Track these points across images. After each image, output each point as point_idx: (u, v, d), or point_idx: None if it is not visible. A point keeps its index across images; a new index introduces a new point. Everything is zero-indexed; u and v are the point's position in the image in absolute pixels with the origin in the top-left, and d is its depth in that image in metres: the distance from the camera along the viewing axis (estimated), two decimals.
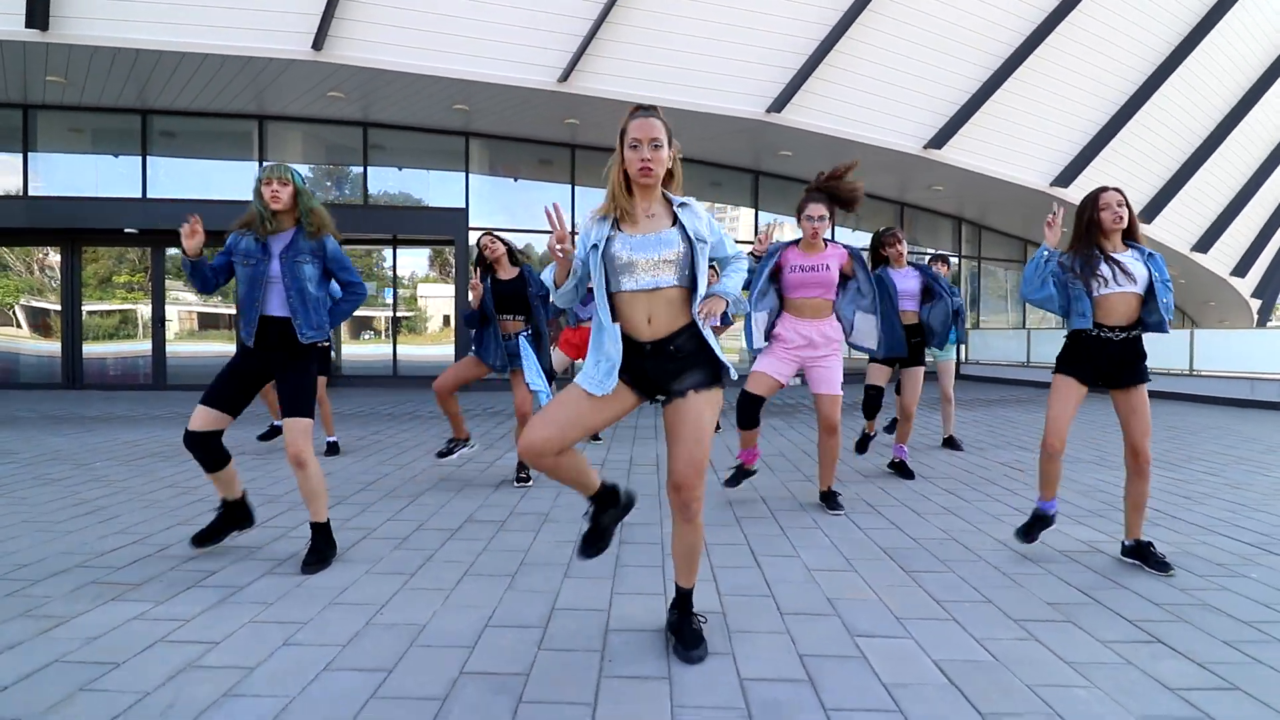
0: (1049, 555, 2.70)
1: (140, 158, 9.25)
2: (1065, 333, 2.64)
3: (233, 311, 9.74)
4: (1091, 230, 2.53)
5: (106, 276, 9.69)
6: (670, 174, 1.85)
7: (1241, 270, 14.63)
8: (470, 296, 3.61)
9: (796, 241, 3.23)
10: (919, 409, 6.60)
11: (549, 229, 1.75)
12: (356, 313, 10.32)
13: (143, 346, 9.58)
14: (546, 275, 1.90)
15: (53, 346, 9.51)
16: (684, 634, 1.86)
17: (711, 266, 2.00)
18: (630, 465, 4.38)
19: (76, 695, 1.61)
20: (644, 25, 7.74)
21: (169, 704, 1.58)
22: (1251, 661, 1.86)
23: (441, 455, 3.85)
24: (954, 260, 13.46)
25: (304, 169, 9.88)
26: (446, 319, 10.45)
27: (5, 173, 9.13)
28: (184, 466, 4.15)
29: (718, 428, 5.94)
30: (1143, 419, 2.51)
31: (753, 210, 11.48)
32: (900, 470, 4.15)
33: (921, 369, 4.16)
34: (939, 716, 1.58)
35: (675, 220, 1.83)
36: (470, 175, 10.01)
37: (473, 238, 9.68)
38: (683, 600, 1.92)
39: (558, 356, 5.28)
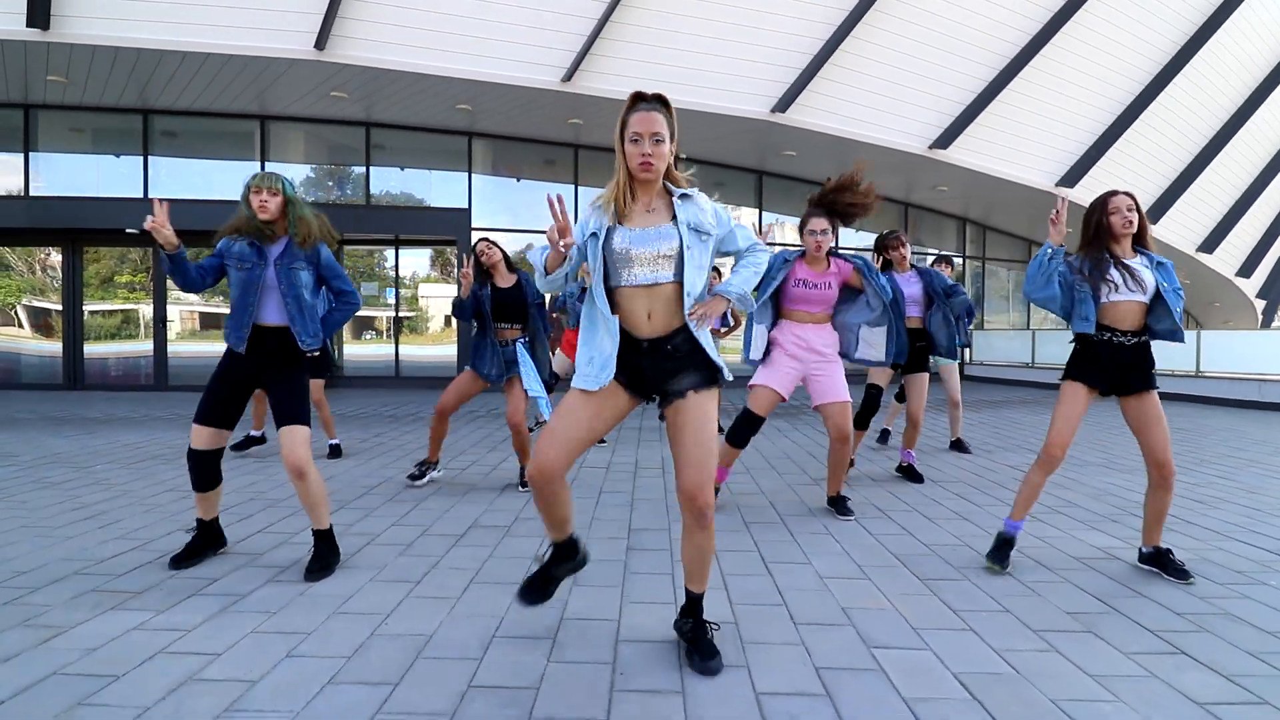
0: (1064, 562, 2.65)
1: (142, 158, 9.22)
2: (1071, 338, 2.57)
3: None
4: (1100, 234, 2.47)
5: (108, 276, 9.67)
6: (672, 168, 1.81)
7: (1247, 271, 14.57)
8: (461, 286, 3.52)
9: (803, 254, 3.18)
10: (925, 412, 6.54)
11: (550, 223, 1.69)
12: (359, 313, 10.32)
13: (144, 347, 9.54)
14: (536, 257, 1.81)
15: (54, 347, 9.48)
16: (701, 644, 1.82)
17: (715, 269, 1.95)
18: (636, 468, 4.34)
19: (75, 710, 1.56)
20: (649, 25, 7.70)
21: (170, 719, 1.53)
22: (1278, 674, 1.81)
23: (413, 479, 3.80)
24: (958, 261, 13.41)
25: (306, 169, 9.85)
26: (448, 319, 10.42)
27: (6, 172, 9.10)
28: (184, 469, 4.10)
29: (720, 429, 5.89)
30: (1162, 429, 2.44)
31: (756, 210, 11.44)
32: (909, 474, 4.10)
33: (926, 375, 4.10)
34: None
35: (674, 216, 1.77)
36: (473, 175, 9.97)
37: (475, 238, 9.65)
38: (695, 606, 1.87)
39: (560, 359, 5.24)
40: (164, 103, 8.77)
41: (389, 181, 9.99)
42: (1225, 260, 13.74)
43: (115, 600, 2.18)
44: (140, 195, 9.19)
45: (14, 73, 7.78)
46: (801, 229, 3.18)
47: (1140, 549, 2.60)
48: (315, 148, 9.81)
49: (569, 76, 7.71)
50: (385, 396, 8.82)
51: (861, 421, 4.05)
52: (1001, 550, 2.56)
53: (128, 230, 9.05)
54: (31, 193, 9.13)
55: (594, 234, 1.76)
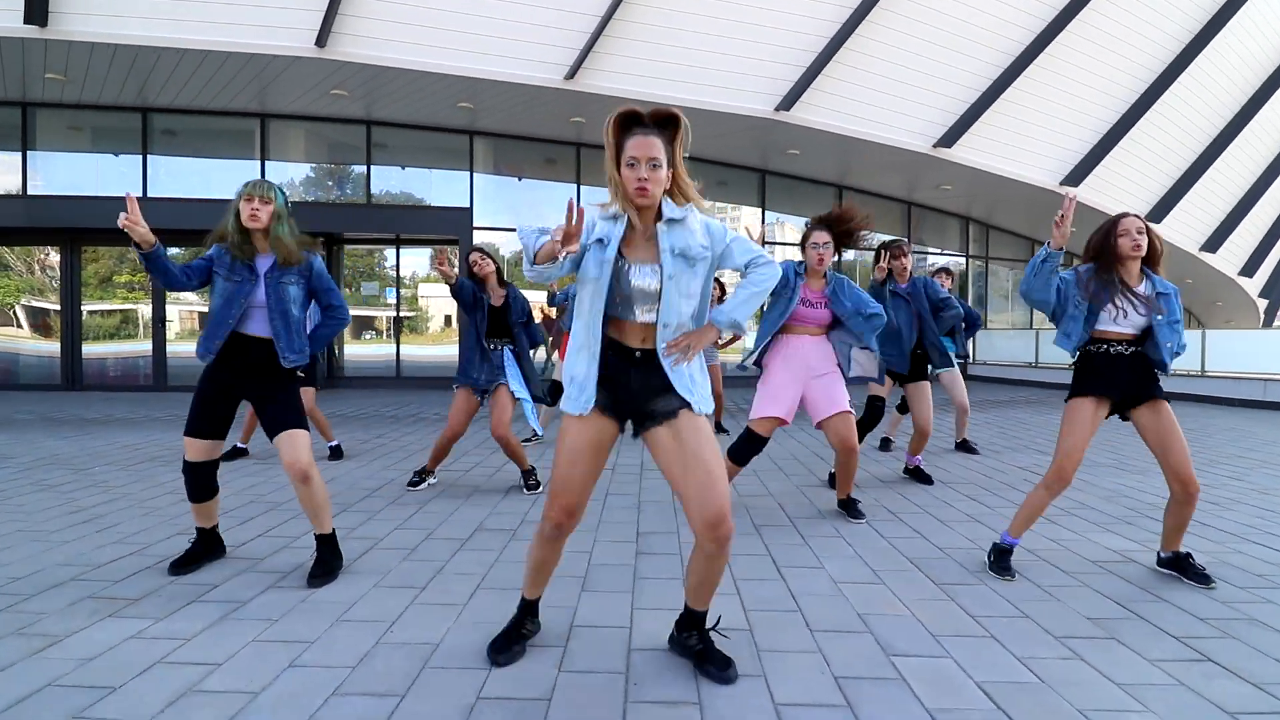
0: (1081, 566, 2.60)
1: (141, 156, 9.17)
2: (1073, 359, 2.53)
3: None
4: (1105, 254, 2.41)
5: (107, 276, 9.61)
6: (670, 191, 1.65)
7: (1249, 270, 14.54)
8: (441, 270, 3.47)
9: (805, 268, 3.15)
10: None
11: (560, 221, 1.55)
12: (359, 312, 10.27)
13: (143, 347, 9.49)
14: (528, 236, 1.64)
15: (52, 347, 9.43)
16: (714, 655, 1.76)
17: (719, 281, 1.86)
18: (641, 470, 4.29)
19: None
20: (652, 22, 7.64)
21: None
22: None
23: (412, 485, 3.76)
24: (959, 263, 13.36)
25: (306, 168, 9.79)
26: (449, 319, 10.37)
27: (4, 171, 9.04)
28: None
29: (723, 429, 5.84)
30: (1180, 442, 2.38)
31: (759, 209, 11.39)
32: (917, 476, 4.05)
33: (927, 383, 4.04)
34: None
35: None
36: (475, 174, 9.91)
37: (477, 237, 9.59)
38: (699, 621, 1.80)
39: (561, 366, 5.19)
40: (163, 101, 8.71)
41: (390, 180, 9.93)
42: (1228, 260, 13.71)
43: (113, 607, 2.12)
44: (139, 194, 9.13)
45: (12, 70, 7.72)
46: (804, 243, 3.17)
47: (1159, 553, 2.55)
48: (315, 146, 9.76)
49: (572, 74, 7.66)
50: (386, 397, 8.77)
51: (859, 434, 3.95)
52: (1002, 561, 2.52)
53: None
54: (30, 192, 9.07)
55: (600, 240, 1.63)
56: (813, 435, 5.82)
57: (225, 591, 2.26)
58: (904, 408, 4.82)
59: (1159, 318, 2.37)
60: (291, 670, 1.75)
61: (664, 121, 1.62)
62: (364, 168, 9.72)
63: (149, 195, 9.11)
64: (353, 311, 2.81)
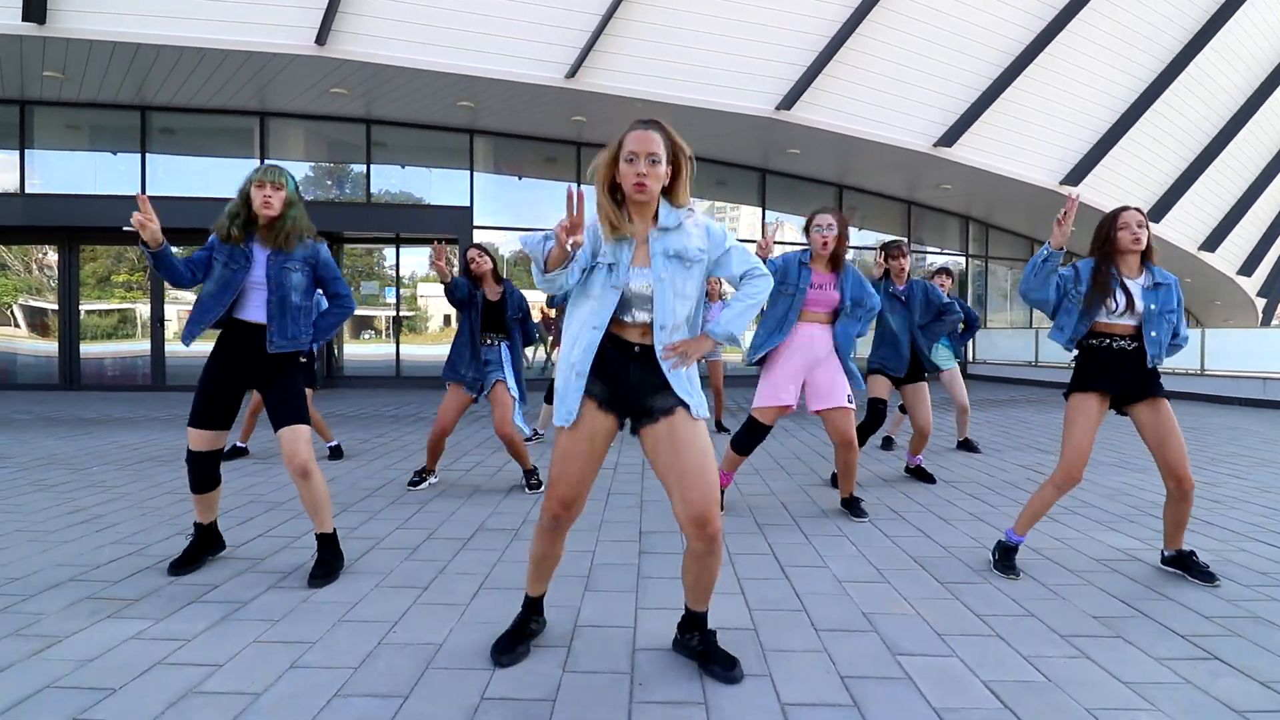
0: (1085, 564, 2.59)
1: (139, 155, 9.14)
2: (1073, 354, 2.52)
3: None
4: (1106, 248, 2.41)
5: (105, 275, 9.57)
6: (669, 189, 1.67)
7: (1248, 269, 14.55)
8: (438, 266, 3.44)
9: (810, 254, 3.14)
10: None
11: (562, 216, 1.54)
12: (358, 312, 10.25)
13: (141, 346, 9.46)
14: (533, 244, 1.63)
15: (50, 346, 9.39)
16: (718, 655, 1.75)
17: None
18: (643, 469, 4.27)
19: None
20: (653, 21, 7.63)
21: None
22: None
23: (413, 485, 3.75)
24: (959, 263, 13.36)
25: (306, 166, 9.76)
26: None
27: (2, 170, 9.01)
28: (183, 472, 4.03)
29: (724, 429, 5.83)
30: (1177, 440, 2.38)
31: (759, 209, 11.37)
32: (920, 475, 4.04)
33: (925, 384, 4.03)
34: None
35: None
36: (475, 173, 9.89)
37: (476, 237, 9.57)
38: (701, 622, 1.79)
39: None
40: (162, 99, 8.68)
41: (389, 179, 9.91)
42: (1226, 259, 13.72)
43: (112, 608, 2.11)
44: (138, 193, 9.10)
45: (10, 68, 7.69)
46: (808, 228, 3.14)
47: (1163, 551, 2.55)
48: (315, 145, 9.73)
49: (573, 73, 7.64)
50: (386, 397, 8.75)
51: (861, 437, 3.91)
52: (1007, 559, 2.50)
53: (125, 228, 8.92)
54: (27, 190, 9.04)
55: (610, 265, 1.63)
56: (815, 434, 5.82)
57: (226, 592, 2.25)
58: (904, 408, 4.81)
59: (1151, 308, 2.36)
60: (293, 671, 1.74)
61: (666, 126, 1.65)
62: (364, 167, 9.69)
63: (147, 194, 9.08)
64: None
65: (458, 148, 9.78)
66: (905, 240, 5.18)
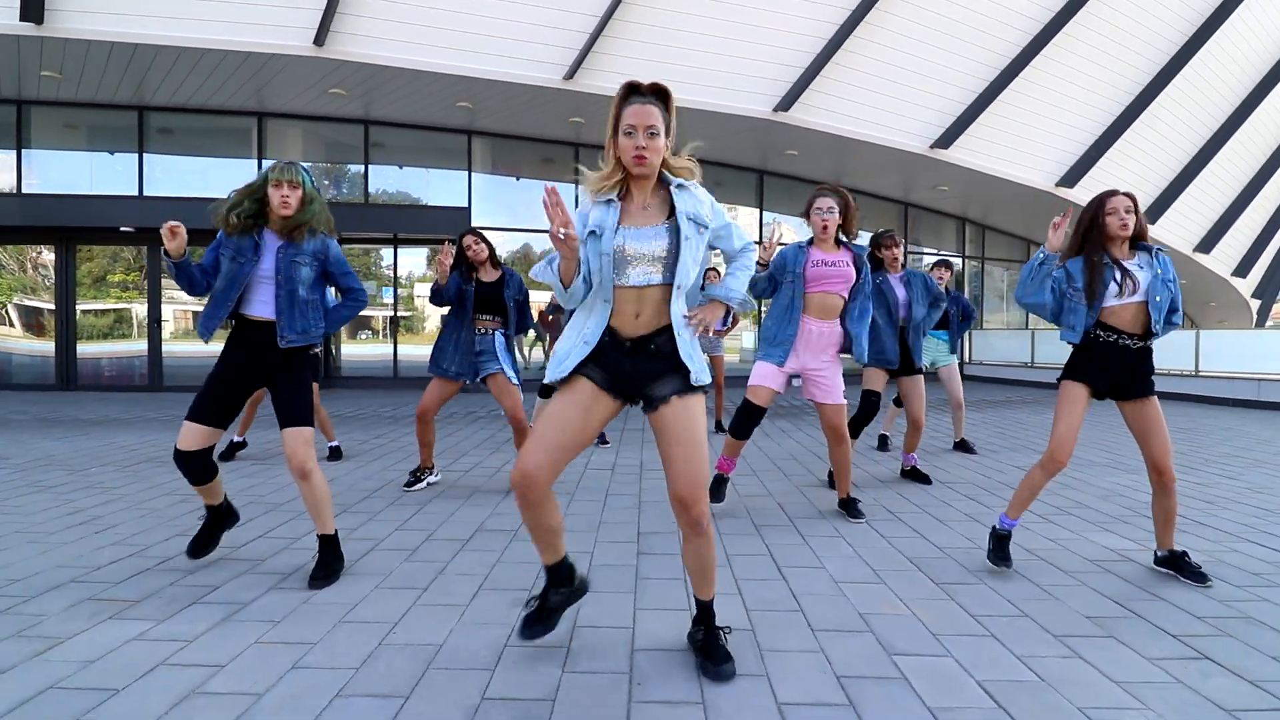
0: (1078, 565, 2.62)
1: (137, 155, 9.12)
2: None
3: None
4: (1092, 234, 2.41)
5: (101, 275, 9.55)
6: (668, 159, 1.74)
7: (1243, 271, 14.63)
8: (439, 271, 3.47)
9: (811, 241, 3.16)
10: (927, 414, 6.51)
11: (548, 223, 1.62)
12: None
13: (138, 346, 9.44)
14: (544, 271, 1.72)
15: (46, 346, 9.37)
16: (711, 650, 1.77)
17: (713, 268, 1.90)
18: (641, 469, 4.29)
19: None
20: (651, 23, 7.65)
21: None
22: None
23: (408, 486, 3.75)
24: (956, 262, 13.41)
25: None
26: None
27: None
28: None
29: (722, 428, 5.85)
30: (1162, 436, 2.40)
31: (757, 210, 11.41)
32: (915, 476, 4.06)
33: (920, 377, 4.06)
34: None
35: (670, 212, 1.71)
36: (473, 174, 9.90)
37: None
38: (706, 613, 1.83)
39: None
40: (159, 99, 8.66)
41: (387, 180, 9.91)
42: (1221, 260, 13.80)
43: (113, 609, 2.12)
44: (135, 193, 9.08)
45: (7, 68, 7.67)
46: (808, 211, 3.14)
47: (1155, 552, 2.57)
48: (313, 145, 9.73)
49: (571, 74, 7.65)
50: (384, 397, 8.75)
51: (855, 430, 3.95)
52: (1001, 547, 2.52)
53: (122, 228, 8.95)
54: (24, 190, 9.01)
55: (593, 232, 1.69)
56: (812, 435, 5.84)
57: (226, 593, 2.26)
58: (899, 401, 4.84)
59: (1155, 275, 2.37)
60: (295, 672, 1.75)
61: (664, 93, 1.73)
62: (361, 167, 9.69)
63: (144, 194, 9.07)
64: None
65: (456, 148, 9.79)
66: (895, 230, 5.22)
